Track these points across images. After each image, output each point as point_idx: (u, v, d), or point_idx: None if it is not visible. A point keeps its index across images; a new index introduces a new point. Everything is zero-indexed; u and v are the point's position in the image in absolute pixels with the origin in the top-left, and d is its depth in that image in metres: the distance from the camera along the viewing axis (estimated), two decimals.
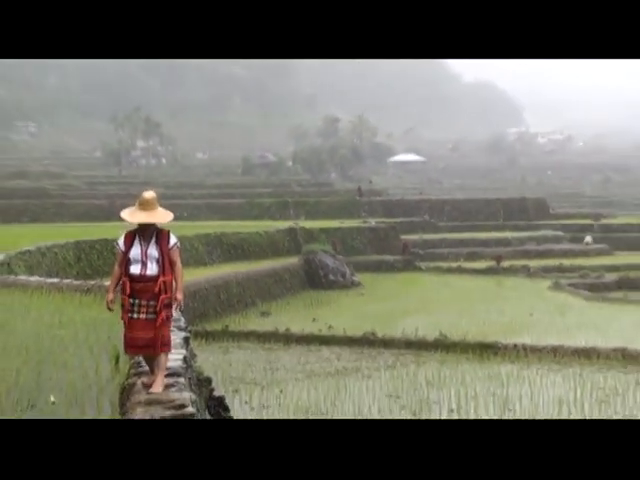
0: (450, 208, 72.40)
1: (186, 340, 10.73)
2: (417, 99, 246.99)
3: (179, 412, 7.24)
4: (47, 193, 74.17)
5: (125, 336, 7.98)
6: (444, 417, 16.92)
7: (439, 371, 21.74)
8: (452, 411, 17.40)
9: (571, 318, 33.37)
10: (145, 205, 7.91)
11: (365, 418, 16.62)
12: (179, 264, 8.09)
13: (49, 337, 11.69)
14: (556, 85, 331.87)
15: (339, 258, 47.87)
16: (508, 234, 62.70)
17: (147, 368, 8.26)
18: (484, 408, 17.60)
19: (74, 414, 7.91)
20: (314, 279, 45.52)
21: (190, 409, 7.37)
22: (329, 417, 16.77)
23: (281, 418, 16.55)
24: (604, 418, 16.68)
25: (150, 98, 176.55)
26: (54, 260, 30.78)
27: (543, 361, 23.19)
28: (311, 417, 16.74)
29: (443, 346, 25.41)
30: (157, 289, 7.83)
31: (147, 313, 7.82)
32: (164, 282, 7.87)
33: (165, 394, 7.75)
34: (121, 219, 8.00)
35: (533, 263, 52.97)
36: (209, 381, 13.56)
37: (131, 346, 7.98)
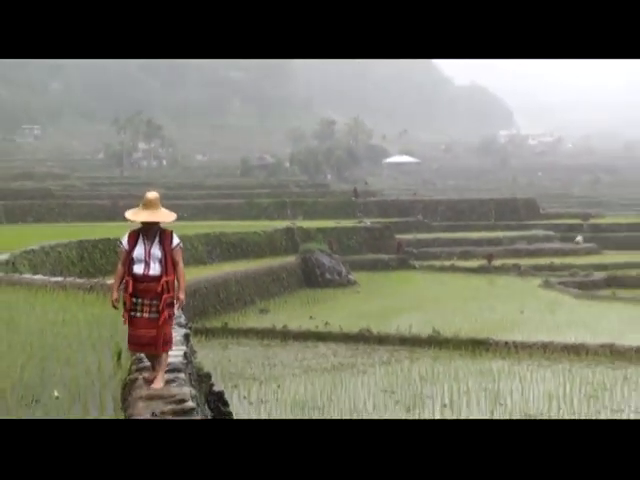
0: (443, 208, 72.40)
1: (186, 337, 10.73)
2: (411, 102, 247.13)
3: (179, 406, 7.24)
4: (51, 194, 74.13)
5: (129, 334, 7.99)
6: (437, 411, 16.94)
7: (432, 367, 21.76)
8: (445, 406, 17.42)
9: (561, 315, 33.38)
10: (149, 205, 7.90)
11: (360, 413, 16.64)
12: (181, 264, 8.07)
13: (53, 334, 11.69)
14: (546, 88, 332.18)
15: (335, 257, 47.85)
16: (500, 233, 62.70)
17: (148, 364, 8.26)
18: (476, 403, 17.63)
19: (77, 409, 7.91)
20: (311, 277, 45.51)
21: (190, 404, 7.37)
22: (325, 411, 16.79)
23: (279, 412, 16.57)
24: (593, 412, 16.71)
25: (151, 102, 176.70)
26: (58, 259, 30.75)
27: (533, 357, 23.21)
28: (308, 411, 16.76)
29: (436, 342, 25.42)
30: (160, 289, 7.81)
31: (150, 312, 7.81)
32: (167, 282, 7.85)
33: (166, 389, 7.76)
34: (124, 219, 8.00)
35: (524, 262, 52.96)
36: (209, 376, 13.57)
37: (134, 344, 7.98)
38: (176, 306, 8.06)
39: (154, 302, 7.80)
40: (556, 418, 16.15)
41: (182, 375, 8.30)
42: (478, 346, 24.52)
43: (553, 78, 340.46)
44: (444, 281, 46.71)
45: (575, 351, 23.54)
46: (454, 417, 16.33)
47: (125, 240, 7.97)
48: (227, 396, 14.19)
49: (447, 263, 53.43)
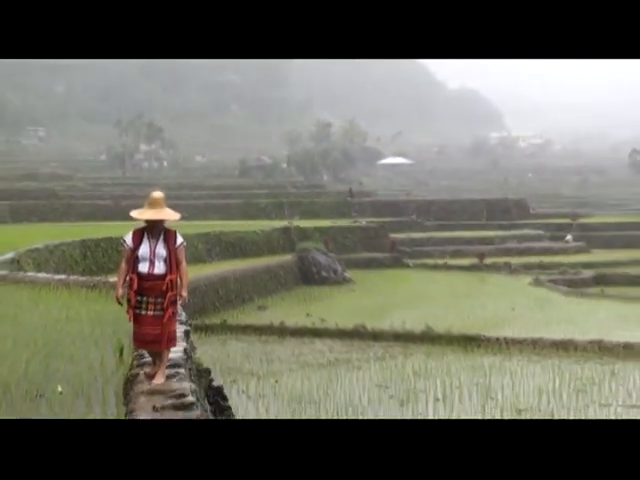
0: (436, 208, 72.37)
1: (186, 333, 10.73)
2: (405, 106, 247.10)
3: (179, 401, 7.24)
4: (55, 194, 73.99)
5: (134, 331, 7.98)
6: (430, 405, 16.94)
7: (425, 362, 21.77)
8: (438, 400, 17.42)
9: (550, 312, 33.41)
10: (154, 204, 7.89)
11: (356, 407, 16.64)
12: (184, 263, 8.08)
13: (57, 331, 11.68)
14: (536, 91, 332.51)
15: (331, 256, 47.83)
16: (491, 233, 62.69)
17: (149, 359, 8.27)
18: (468, 397, 17.64)
19: (80, 404, 7.91)
20: (307, 275, 45.49)
21: (190, 398, 7.38)
22: (321, 405, 16.79)
23: (276, 406, 16.56)
24: (581, 406, 16.73)
25: (152, 105, 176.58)
26: (61, 257, 30.72)
27: (524, 353, 23.22)
28: (304, 405, 16.76)
29: (429, 339, 25.41)
30: (165, 287, 7.82)
31: (154, 310, 7.81)
32: (171, 280, 7.85)
33: (167, 384, 7.76)
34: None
35: (514, 260, 52.97)
36: (208, 372, 13.56)
37: (139, 341, 7.98)
38: (179, 303, 8.08)
39: (158, 300, 7.81)
40: (545, 411, 16.17)
41: (182, 370, 8.30)
42: (470, 342, 24.53)
43: (542, 81, 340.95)
44: (437, 279, 46.71)
45: (564, 347, 23.54)
46: (447, 411, 16.35)
47: (129, 238, 7.96)
48: (226, 391, 14.17)
49: (440, 261, 53.40)
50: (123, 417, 7.25)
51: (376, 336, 26.27)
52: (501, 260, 52.87)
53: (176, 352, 8.70)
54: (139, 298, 7.80)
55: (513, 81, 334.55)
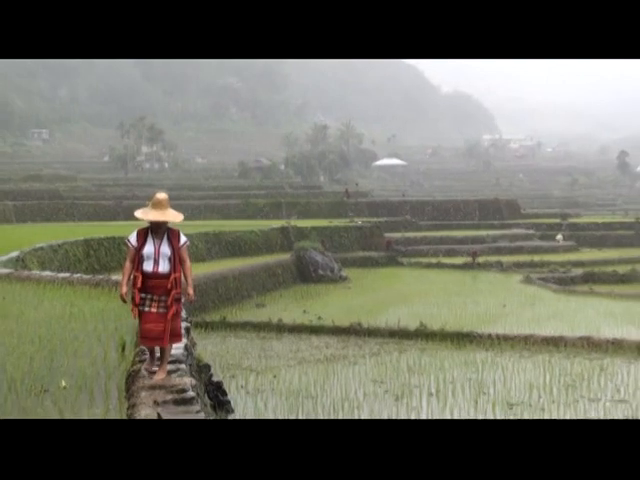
0: (430, 208, 72.42)
1: (187, 330, 10.73)
2: (399, 109, 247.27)
3: (180, 396, 7.24)
4: (59, 195, 74.08)
5: (140, 328, 7.99)
6: (424, 400, 16.93)
7: (420, 358, 21.75)
8: (431, 395, 17.41)
9: (541, 309, 33.41)
10: (158, 205, 7.90)
11: (352, 401, 16.63)
12: (188, 261, 8.09)
13: (61, 327, 11.66)
14: (527, 94, 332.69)
15: (328, 254, 47.81)
16: (483, 232, 62.68)
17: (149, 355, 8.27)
18: (461, 392, 17.62)
19: (84, 398, 7.91)
20: (305, 274, 45.47)
21: (190, 393, 7.38)
22: (318, 400, 16.77)
23: (274, 401, 16.54)
24: (571, 401, 16.73)
25: (154, 108, 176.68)
26: (65, 256, 30.69)
27: (515, 349, 23.21)
28: (302, 400, 16.75)
29: (423, 335, 25.40)
30: (169, 285, 7.83)
31: (158, 307, 7.82)
32: (175, 278, 7.87)
33: (168, 379, 7.76)
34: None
35: (506, 259, 52.97)
36: (208, 367, 13.57)
37: (144, 337, 7.99)
38: (184, 300, 8.12)
39: (163, 298, 7.82)
40: (536, 406, 16.17)
41: (183, 366, 8.31)
42: (463, 338, 24.51)
43: (534, 84, 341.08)
44: (430, 277, 46.71)
45: (554, 343, 23.53)
46: (440, 405, 16.34)
47: (134, 238, 7.96)
48: (225, 386, 14.19)
49: (433, 260, 53.40)
50: (125, 411, 7.25)
51: (371, 333, 26.25)
52: (493, 259, 52.88)
53: (177, 348, 8.71)
54: (142, 295, 7.81)
55: (505, 84, 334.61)
